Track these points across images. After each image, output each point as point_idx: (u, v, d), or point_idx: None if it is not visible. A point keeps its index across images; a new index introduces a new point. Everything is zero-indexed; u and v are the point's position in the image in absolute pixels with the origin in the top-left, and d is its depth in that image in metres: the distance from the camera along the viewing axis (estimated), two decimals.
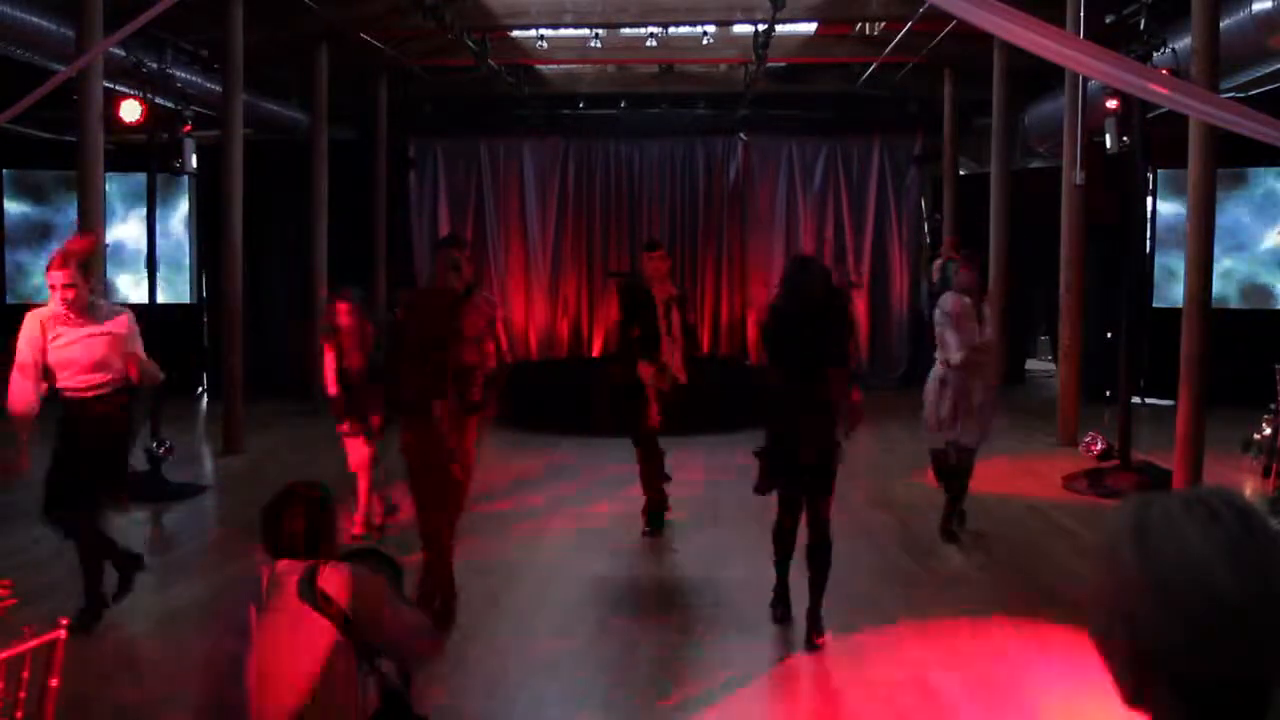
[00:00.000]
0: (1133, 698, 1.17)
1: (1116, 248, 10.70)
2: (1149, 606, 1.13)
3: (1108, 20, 9.21)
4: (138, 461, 8.91)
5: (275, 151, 14.21)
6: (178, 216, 15.02)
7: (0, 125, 6.01)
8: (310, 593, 2.95)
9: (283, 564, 3.06)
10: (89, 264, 5.63)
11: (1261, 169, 13.11)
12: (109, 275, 10.47)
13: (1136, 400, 9.82)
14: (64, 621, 3.02)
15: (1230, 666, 1.11)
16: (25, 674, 2.89)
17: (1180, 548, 1.12)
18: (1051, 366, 15.31)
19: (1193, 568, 1.11)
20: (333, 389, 7.30)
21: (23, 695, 2.90)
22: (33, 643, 2.90)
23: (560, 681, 5.09)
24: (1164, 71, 7.60)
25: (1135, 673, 1.16)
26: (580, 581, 6.52)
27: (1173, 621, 1.11)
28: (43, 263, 6.12)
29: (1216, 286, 9.07)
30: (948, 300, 7.16)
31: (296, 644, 2.91)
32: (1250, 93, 9.72)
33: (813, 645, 5.27)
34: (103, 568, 5.60)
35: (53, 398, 5.42)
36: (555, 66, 15.36)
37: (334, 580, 2.98)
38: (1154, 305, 13.30)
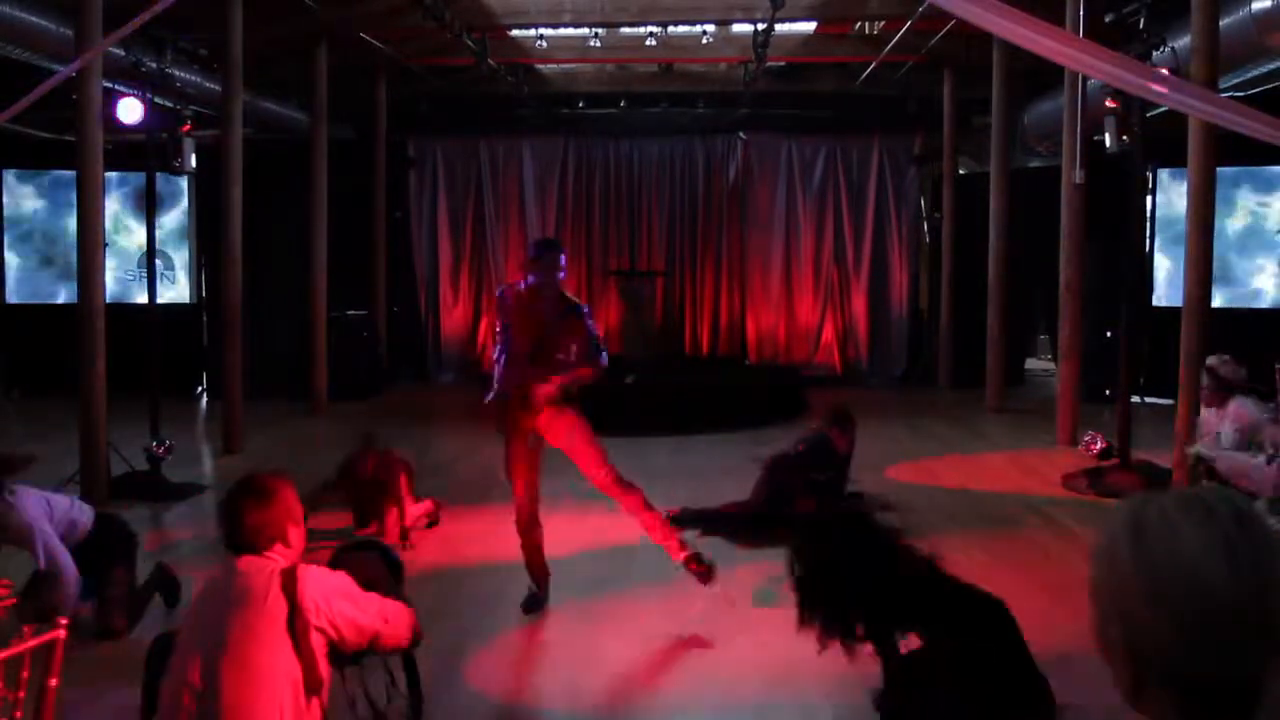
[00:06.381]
0: (1131, 695, 1.17)
1: (1116, 247, 10.70)
2: (1143, 605, 1.13)
3: (1107, 19, 9.20)
4: (137, 461, 8.93)
5: (275, 151, 14.20)
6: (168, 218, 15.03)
7: (0, 125, 6.03)
8: (292, 595, 2.89)
9: (244, 560, 3.00)
10: None
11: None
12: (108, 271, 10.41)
13: (1136, 399, 9.82)
14: (64, 621, 3.02)
15: (1222, 664, 1.11)
16: (25, 674, 2.89)
17: (1173, 546, 1.13)
18: (1051, 366, 15.31)
19: (1185, 566, 1.11)
20: None
21: (22, 695, 2.90)
22: (33, 643, 2.90)
23: (561, 678, 5.10)
24: (1164, 70, 7.60)
25: (1132, 670, 1.16)
26: (584, 580, 6.52)
27: (1165, 620, 1.11)
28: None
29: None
30: None
31: (270, 650, 2.84)
32: (1250, 91, 9.73)
33: None
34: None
35: None
36: (555, 66, 15.36)
37: (309, 585, 2.92)
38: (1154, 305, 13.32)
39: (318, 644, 2.89)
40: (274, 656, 2.82)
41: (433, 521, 7.69)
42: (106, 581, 5.51)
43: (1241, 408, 6.83)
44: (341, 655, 3.03)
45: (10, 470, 5.44)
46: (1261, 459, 6.58)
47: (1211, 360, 7.17)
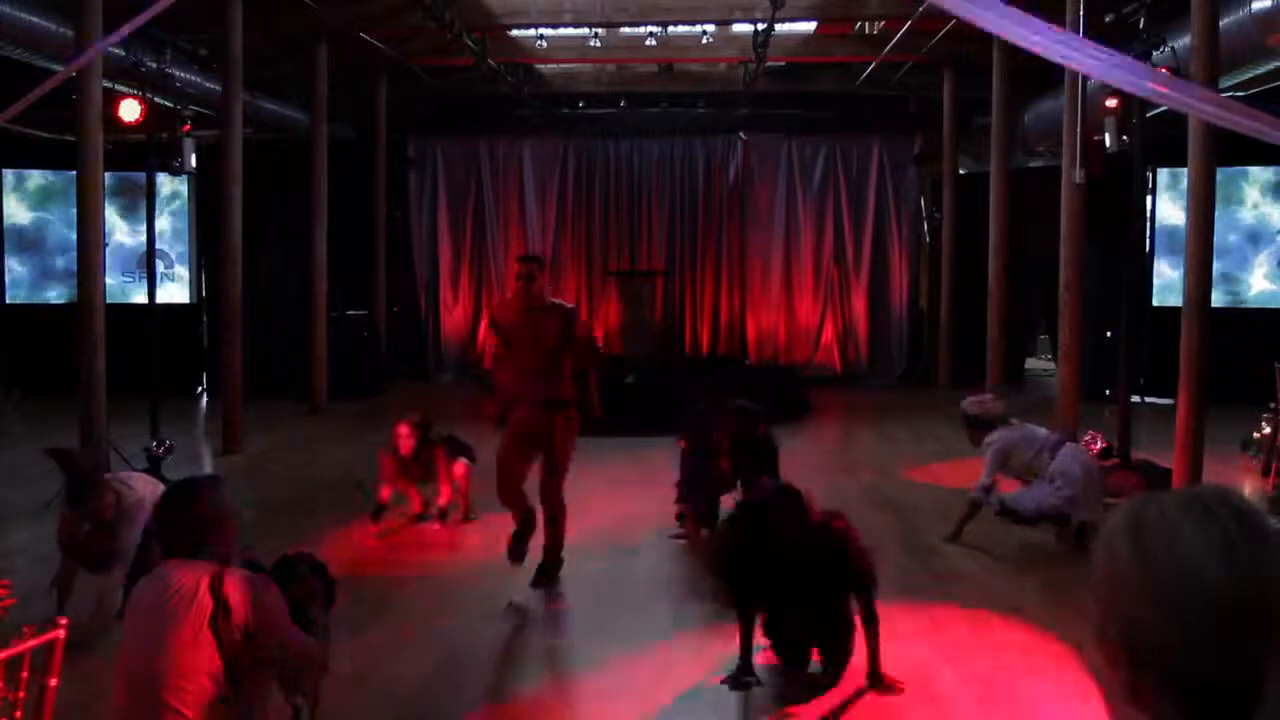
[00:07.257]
0: (1129, 696, 1.17)
1: (1116, 247, 10.69)
2: (1142, 605, 1.13)
3: (1107, 19, 9.21)
4: (138, 461, 8.93)
5: (275, 151, 14.20)
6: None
7: (0, 124, 6.03)
8: (218, 594, 3.00)
9: (173, 563, 3.11)
10: None
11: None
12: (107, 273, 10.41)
13: (1136, 399, 9.81)
14: (63, 621, 3.02)
15: (1222, 664, 1.10)
16: (24, 674, 2.89)
17: (1173, 546, 1.12)
18: (1051, 366, 15.31)
19: (1185, 566, 1.11)
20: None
21: (22, 695, 2.90)
22: (32, 643, 2.89)
23: (561, 673, 5.10)
24: (1164, 70, 7.59)
25: (1130, 671, 1.15)
26: (580, 580, 6.52)
27: (1165, 620, 1.11)
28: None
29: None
30: None
31: (192, 645, 2.98)
32: (1250, 91, 9.72)
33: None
34: None
35: None
36: (555, 66, 15.37)
37: (235, 589, 3.04)
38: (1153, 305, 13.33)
39: (237, 641, 3.05)
40: (198, 651, 2.98)
41: (470, 516, 7.79)
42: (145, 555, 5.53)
43: (994, 440, 7.06)
44: (256, 661, 3.14)
45: (75, 466, 5.51)
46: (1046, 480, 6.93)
47: (962, 404, 7.46)
